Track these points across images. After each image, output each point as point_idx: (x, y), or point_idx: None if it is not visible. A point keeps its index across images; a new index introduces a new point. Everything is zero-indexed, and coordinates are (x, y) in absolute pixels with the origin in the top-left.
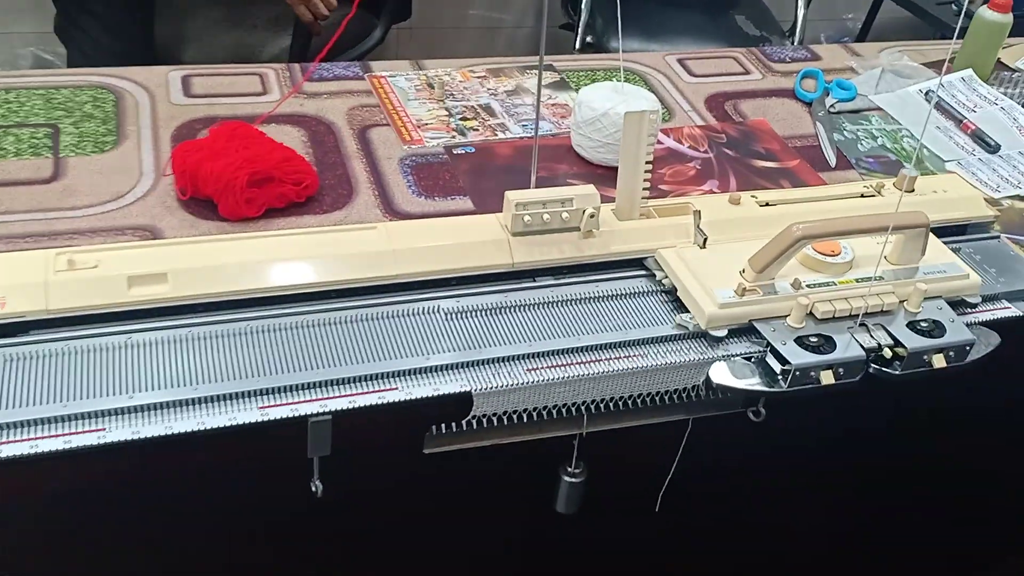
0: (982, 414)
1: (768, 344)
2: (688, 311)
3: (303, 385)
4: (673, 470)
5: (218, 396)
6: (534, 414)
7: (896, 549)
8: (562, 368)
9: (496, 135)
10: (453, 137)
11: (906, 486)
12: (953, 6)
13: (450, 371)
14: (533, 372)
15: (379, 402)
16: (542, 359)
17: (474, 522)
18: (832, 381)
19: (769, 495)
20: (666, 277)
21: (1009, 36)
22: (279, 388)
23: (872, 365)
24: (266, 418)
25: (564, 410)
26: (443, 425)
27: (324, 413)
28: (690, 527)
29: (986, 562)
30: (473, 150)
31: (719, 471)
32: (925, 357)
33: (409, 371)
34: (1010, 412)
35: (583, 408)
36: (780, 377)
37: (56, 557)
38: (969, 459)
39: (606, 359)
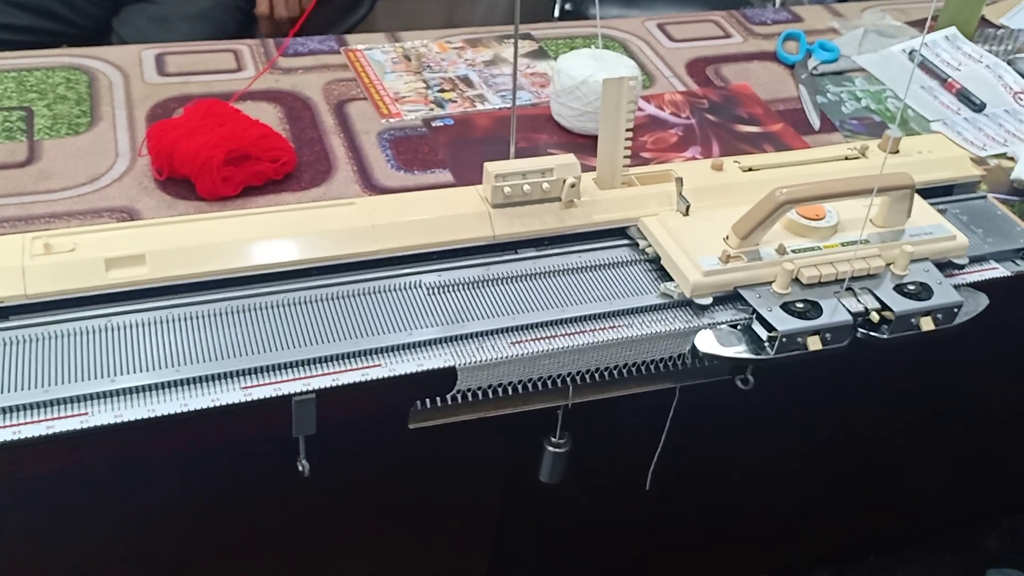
0: (971, 373)
1: (754, 311)
2: (672, 279)
3: (286, 364)
4: (661, 443)
5: (200, 377)
6: (519, 387)
7: (890, 511)
8: (546, 340)
9: (475, 106)
10: (431, 109)
11: (896, 449)
12: None
13: (434, 346)
14: (517, 345)
15: (363, 379)
16: (526, 332)
17: (461, 495)
18: (819, 347)
19: (760, 461)
20: (649, 246)
21: None
22: (262, 368)
23: (859, 330)
24: (249, 398)
25: (549, 382)
26: (428, 400)
27: (308, 392)
28: (680, 495)
29: (981, 523)
30: (452, 122)
31: (708, 440)
32: (913, 320)
33: (392, 347)
34: (999, 371)
35: (568, 379)
36: (767, 344)
37: (36, 542)
38: (958, 419)
39: (590, 330)
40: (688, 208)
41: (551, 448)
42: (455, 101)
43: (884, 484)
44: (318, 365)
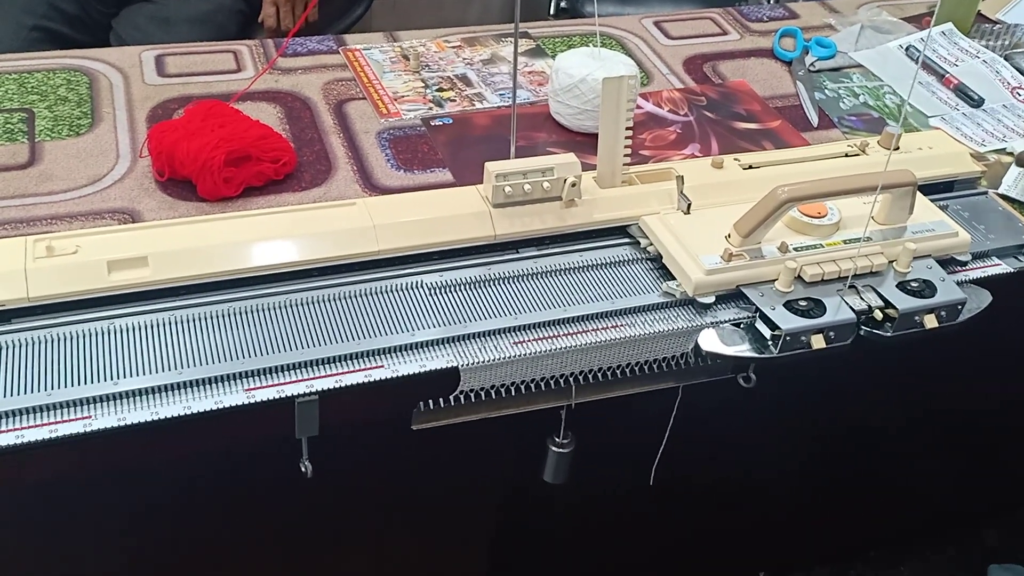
0: (974, 369)
1: (757, 309)
2: (674, 278)
3: (289, 366)
4: (665, 439)
5: (204, 380)
6: (522, 387)
7: (891, 506)
8: (548, 340)
9: (473, 105)
10: (430, 108)
11: (897, 444)
12: None
13: (436, 347)
14: (519, 345)
15: (366, 380)
16: (528, 331)
17: (463, 496)
18: (823, 345)
19: (762, 459)
20: (651, 244)
21: None
22: (265, 369)
23: (863, 327)
24: (252, 400)
25: (552, 382)
26: (430, 401)
27: (311, 393)
28: (682, 494)
29: (982, 518)
30: (451, 121)
31: (710, 438)
32: (916, 318)
33: (395, 348)
34: (1001, 367)
35: (571, 379)
36: (770, 343)
37: (39, 546)
38: (959, 415)
39: (592, 329)
40: (689, 206)
41: (555, 448)
42: (454, 100)
43: (885, 479)
44: (321, 366)
